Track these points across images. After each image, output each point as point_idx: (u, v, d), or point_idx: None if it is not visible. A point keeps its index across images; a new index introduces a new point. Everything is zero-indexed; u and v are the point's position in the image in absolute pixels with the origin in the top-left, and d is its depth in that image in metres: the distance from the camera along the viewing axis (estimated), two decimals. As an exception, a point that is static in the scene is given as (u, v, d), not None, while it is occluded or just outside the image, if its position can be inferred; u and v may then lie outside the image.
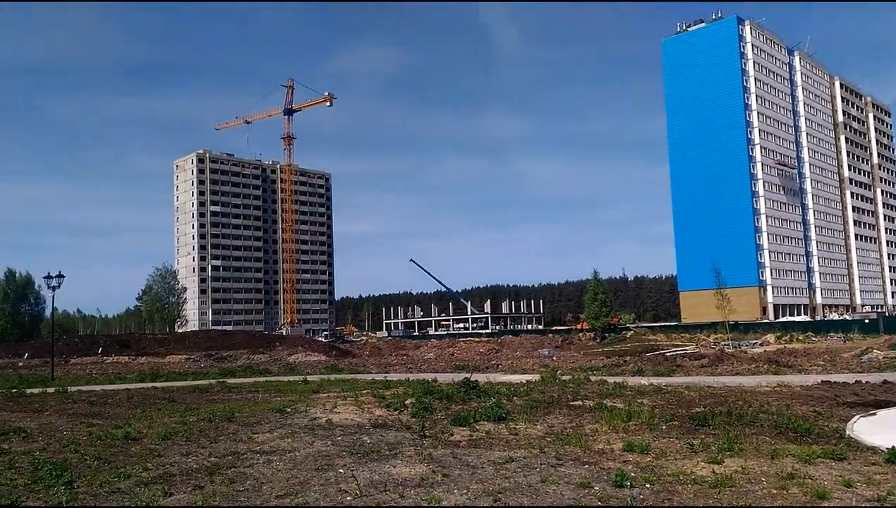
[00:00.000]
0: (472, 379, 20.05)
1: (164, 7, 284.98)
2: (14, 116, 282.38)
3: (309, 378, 29.25)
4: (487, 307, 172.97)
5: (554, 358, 44.26)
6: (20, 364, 57.93)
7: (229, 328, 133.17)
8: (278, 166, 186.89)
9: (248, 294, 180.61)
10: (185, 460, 11.26)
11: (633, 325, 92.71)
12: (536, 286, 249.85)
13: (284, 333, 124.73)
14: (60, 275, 35.27)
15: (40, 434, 14.80)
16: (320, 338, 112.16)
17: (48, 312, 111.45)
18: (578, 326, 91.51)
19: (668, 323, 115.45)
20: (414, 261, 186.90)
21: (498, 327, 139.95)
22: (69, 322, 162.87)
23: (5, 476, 10.21)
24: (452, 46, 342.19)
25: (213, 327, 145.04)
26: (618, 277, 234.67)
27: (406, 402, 17.50)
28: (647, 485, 8.83)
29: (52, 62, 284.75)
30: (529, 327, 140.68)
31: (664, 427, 13.73)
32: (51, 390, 27.40)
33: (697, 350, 45.70)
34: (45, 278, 35.73)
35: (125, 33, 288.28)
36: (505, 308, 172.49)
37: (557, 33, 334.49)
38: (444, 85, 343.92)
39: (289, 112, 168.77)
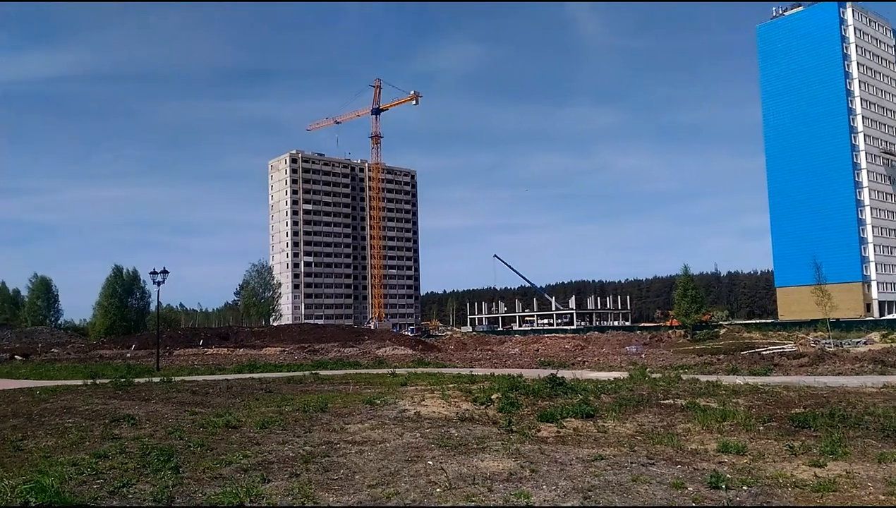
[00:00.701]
0: (557, 375, 19.86)
1: (258, 12, 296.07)
2: (123, 122, 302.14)
3: (397, 371, 29.80)
4: (572, 303, 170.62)
5: (642, 355, 43.27)
6: (128, 355, 61.79)
7: (320, 322, 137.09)
8: (366, 164, 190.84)
9: (338, 289, 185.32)
10: (281, 448, 11.72)
11: (727, 322, 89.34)
12: (623, 282, 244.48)
13: (372, 327, 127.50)
14: (165, 271, 37.31)
15: (148, 421, 15.75)
16: (406, 333, 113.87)
17: (153, 306, 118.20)
18: (668, 323, 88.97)
19: (763, 321, 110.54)
20: (498, 257, 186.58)
21: (583, 323, 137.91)
22: (172, 315, 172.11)
23: (117, 460, 10.91)
24: (537, 40, 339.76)
25: (306, 321, 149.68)
26: (709, 273, 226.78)
27: (492, 397, 17.54)
28: (745, 487, 8.52)
29: (157, 70, 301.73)
30: (616, 324, 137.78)
31: (761, 428, 13.18)
32: (156, 380, 29.08)
33: (796, 348, 43.63)
34: (150, 274, 37.89)
35: (222, 40, 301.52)
36: (590, 304, 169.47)
37: (646, 24, 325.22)
38: (528, 79, 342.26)
39: (376, 111, 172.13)
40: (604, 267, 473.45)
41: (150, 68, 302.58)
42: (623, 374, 25.40)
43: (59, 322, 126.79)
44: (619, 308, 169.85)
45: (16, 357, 62.51)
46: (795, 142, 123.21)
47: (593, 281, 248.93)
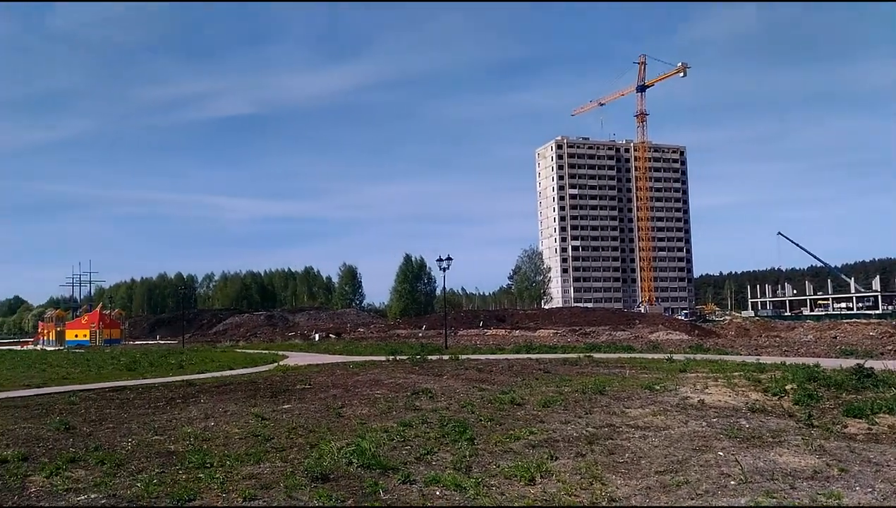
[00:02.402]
0: (864, 366, 17.53)
1: (519, 6, 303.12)
2: (406, 124, 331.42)
3: (674, 356, 28.73)
4: (876, 284, 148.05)
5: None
6: (419, 334, 68.10)
7: (589, 305, 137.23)
8: (631, 144, 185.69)
9: (606, 272, 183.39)
10: (564, 427, 12.10)
11: None
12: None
13: (643, 311, 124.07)
14: (449, 258, 40.45)
15: (442, 394, 17.29)
16: (679, 317, 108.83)
17: (438, 290, 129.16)
18: None
19: None
20: (782, 235, 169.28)
21: (891, 307, 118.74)
22: (455, 298, 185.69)
23: (420, 429, 12.14)
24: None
25: (575, 304, 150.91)
26: None
27: (786, 388, 16.09)
28: None
29: (433, 72, 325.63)
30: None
31: None
32: (445, 357, 31.71)
33: None
34: (436, 260, 41.38)
35: (488, 37, 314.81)
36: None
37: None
38: (809, 36, 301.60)
39: (641, 88, 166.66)
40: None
41: (427, 71, 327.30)
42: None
43: (362, 304, 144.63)
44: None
45: (331, 335, 72.71)
46: None
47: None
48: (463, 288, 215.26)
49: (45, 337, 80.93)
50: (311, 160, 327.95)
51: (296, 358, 36.00)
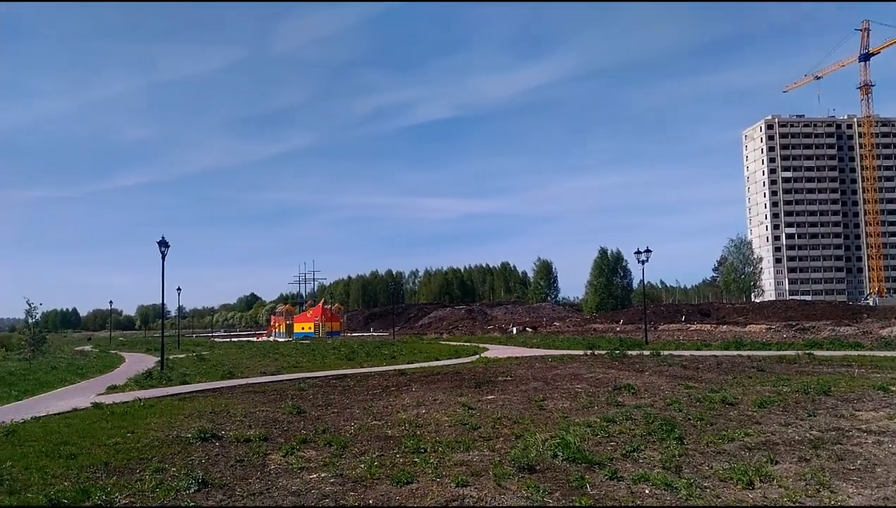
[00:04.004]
0: None
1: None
2: (596, 115, 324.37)
3: (917, 355, 25.34)
4: None
5: None
6: (617, 328, 66.54)
7: (807, 298, 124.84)
8: (854, 120, 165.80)
9: (827, 261, 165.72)
10: (784, 430, 11.27)
11: None
12: None
13: (871, 304, 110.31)
14: (648, 250, 39.07)
15: (645, 391, 16.85)
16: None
17: (635, 283, 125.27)
18: None
19: None
20: None
21: None
22: (654, 292, 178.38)
23: (624, 425, 11.96)
24: None
25: (791, 297, 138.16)
26: None
27: None
28: None
29: (624, 60, 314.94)
30: None
31: None
32: (646, 352, 30.75)
33: None
34: (634, 253, 40.06)
35: (683, 18, 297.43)
36: None
37: None
38: None
39: (864, 57, 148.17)
40: None
41: (619, 60, 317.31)
42: None
43: (557, 299, 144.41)
44: None
45: (527, 329, 73.54)
46: None
47: None
48: (661, 281, 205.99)
49: (277, 330, 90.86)
50: (505, 158, 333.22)
51: (495, 351, 36.98)
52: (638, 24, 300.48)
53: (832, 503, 7.26)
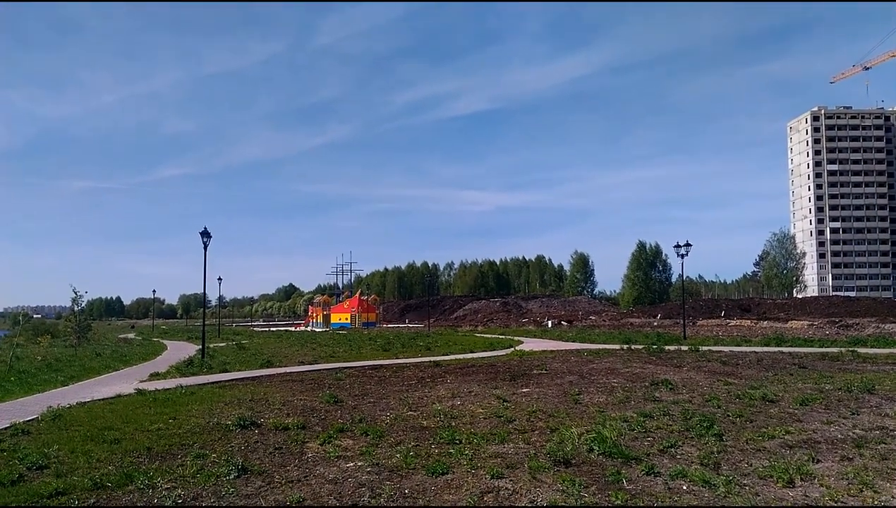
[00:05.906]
0: None
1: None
2: (636, 108, 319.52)
3: (968, 355, 24.51)
4: None
5: None
6: (654, 323, 65.72)
7: (852, 294, 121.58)
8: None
9: (873, 257, 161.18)
10: (826, 428, 11.04)
11: None
12: None
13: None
14: (688, 244, 38.46)
15: (683, 386, 16.63)
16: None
17: (674, 278, 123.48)
18: None
19: None
20: None
21: None
22: (692, 286, 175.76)
23: (662, 420, 11.83)
24: None
25: (835, 293, 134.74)
26: None
27: None
28: None
29: (668, 51, 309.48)
30: None
31: None
32: (684, 348, 30.32)
33: None
34: (674, 247, 39.43)
35: (728, 9, 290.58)
36: None
37: None
38: None
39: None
40: None
41: (662, 52, 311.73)
42: None
43: (593, 292, 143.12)
44: None
45: (562, 322, 73.10)
46: None
47: None
48: (700, 276, 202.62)
49: (314, 320, 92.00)
50: (544, 150, 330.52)
51: (530, 344, 36.87)
52: (680, 15, 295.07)
53: (875, 503, 7.10)
